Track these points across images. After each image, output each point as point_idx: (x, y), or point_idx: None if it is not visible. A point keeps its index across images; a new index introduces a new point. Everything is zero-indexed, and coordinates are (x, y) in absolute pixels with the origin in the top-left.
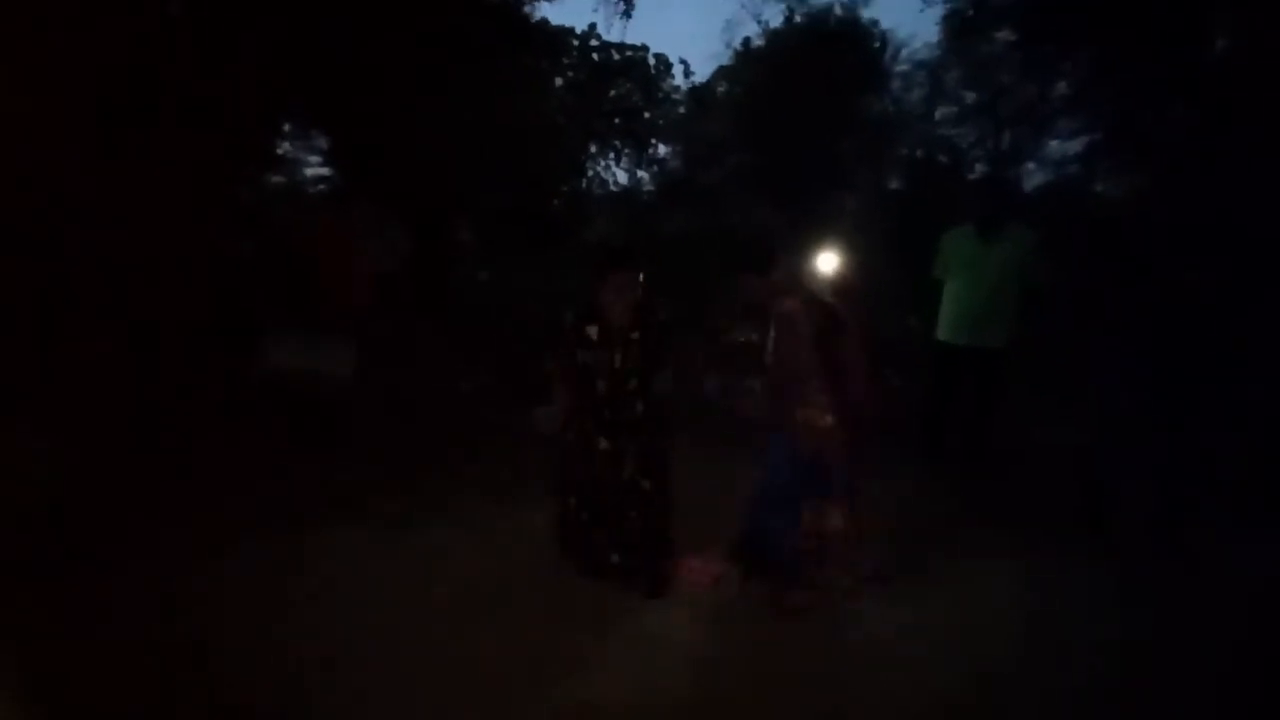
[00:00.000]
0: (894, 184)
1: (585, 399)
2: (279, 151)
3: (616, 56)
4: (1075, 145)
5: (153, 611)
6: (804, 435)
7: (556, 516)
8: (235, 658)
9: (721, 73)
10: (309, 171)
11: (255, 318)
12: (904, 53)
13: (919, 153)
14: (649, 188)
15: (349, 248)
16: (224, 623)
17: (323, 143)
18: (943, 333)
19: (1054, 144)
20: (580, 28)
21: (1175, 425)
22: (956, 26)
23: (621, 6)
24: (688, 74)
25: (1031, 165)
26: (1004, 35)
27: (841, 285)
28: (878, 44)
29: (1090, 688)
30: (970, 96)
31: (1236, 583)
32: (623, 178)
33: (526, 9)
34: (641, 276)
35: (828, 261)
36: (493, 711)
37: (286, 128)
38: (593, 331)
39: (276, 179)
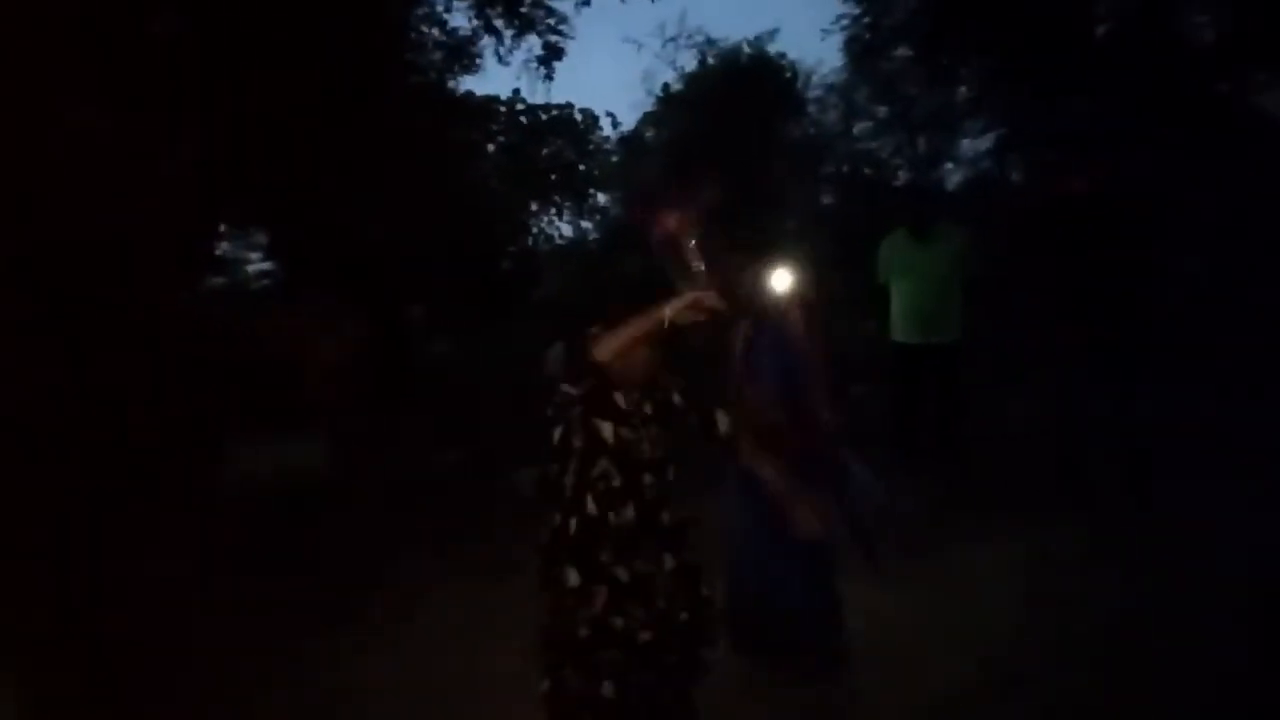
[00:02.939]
0: (826, 200)
1: (621, 506)
2: (217, 253)
3: (544, 117)
4: (985, 141)
5: None
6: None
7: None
8: None
9: (648, 119)
10: (250, 269)
11: (216, 424)
12: (814, 78)
13: (844, 168)
14: (595, 236)
15: (302, 342)
16: None
17: (261, 238)
18: (897, 334)
19: (966, 143)
20: (505, 94)
21: (1125, 391)
22: (857, 50)
23: (542, 71)
24: (615, 124)
25: (950, 165)
26: (902, 52)
27: (799, 300)
28: (789, 74)
29: (1089, 653)
30: (882, 110)
31: (1210, 533)
32: (568, 230)
33: (450, 84)
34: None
35: (781, 279)
36: None
37: (222, 228)
38: (620, 401)
39: (217, 280)
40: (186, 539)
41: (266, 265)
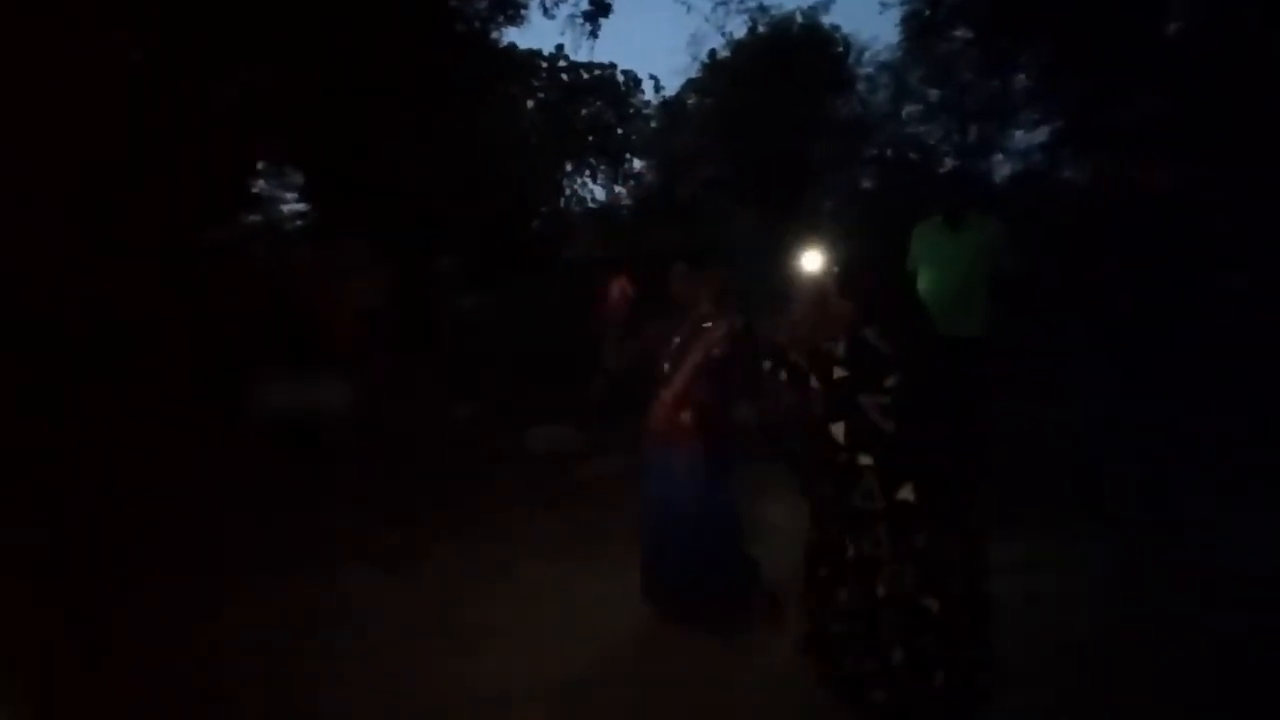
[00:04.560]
0: (866, 183)
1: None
2: (254, 190)
3: (585, 76)
4: (1039, 135)
5: (161, 660)
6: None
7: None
8: (244, 702)
9: (690, 85)
10: (285, 209)
11: (246, 360)
12: (867, 55)
13: (889, 151)
14: (627, 202)
15: (333, 285)
16: (230, 666)
17: (298, 179)
18: None
19: (1019, 134)
20: (548, 50)
21: (1155, 401)
22: (915, 28)
23: (588, 28)
24: (658, 89)
25: (999, 156)
26: (962, 33)
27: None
28: (840, 49)
29: (1086, 665)
30: (934, 94)
31: (1223, 552)
32: (600, 194)
33: (494, 35)
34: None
35: (812, 261)
36: None
37: (260, 165)
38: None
39: (253, 218)
40: (209, 468)
41: (302, 206)
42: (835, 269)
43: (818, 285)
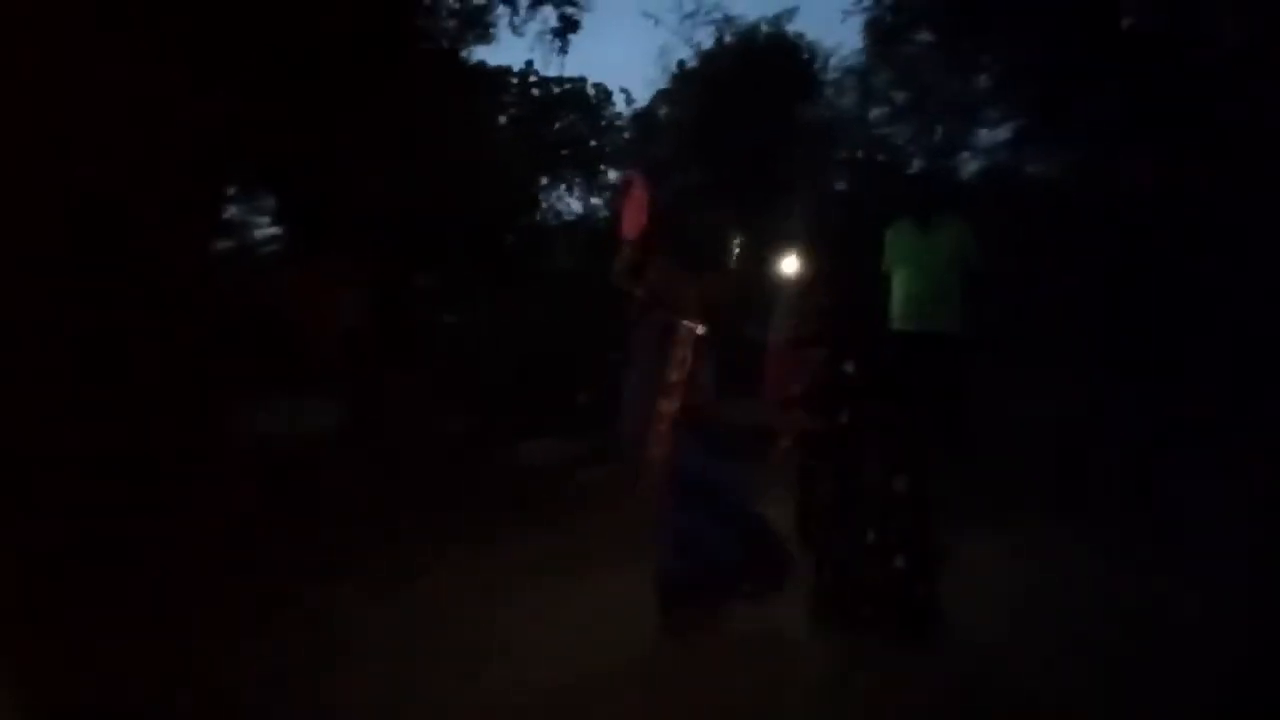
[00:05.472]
0: (839, 185)
1: None
2: (225, 215)
3: (556, 90)
4: (1004, 132)
5: (144, 685)
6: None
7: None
8: None
9: (661, 96)
10: (258, 233)
11: (230, 385)
12: (833, 61)
13: (859, 153)
14: (604, 214)
15: (313, 306)
16: (217, 689)
17: (270, 202)
18: (895, 322)
19: (983, 133)
20: (518, 66)
21: (1133, 393)
22: (878, 33)
23: (557, 44)
24: (629, 101)
25: (966, 154)
26: (923, 37)
27: (805, 286)
28: (806, 55)
29: (1080, 651)
30: (900, 96)
31: (1207, 535)
32: (577, 206)
33: (463, 53)
34: None
35: (790, 264)
36: None
37: (231, 190)
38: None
39: (224, 244)
40: (195, 495)
41: (274, 230)
42: (819, 268)
43: (804, 281)
